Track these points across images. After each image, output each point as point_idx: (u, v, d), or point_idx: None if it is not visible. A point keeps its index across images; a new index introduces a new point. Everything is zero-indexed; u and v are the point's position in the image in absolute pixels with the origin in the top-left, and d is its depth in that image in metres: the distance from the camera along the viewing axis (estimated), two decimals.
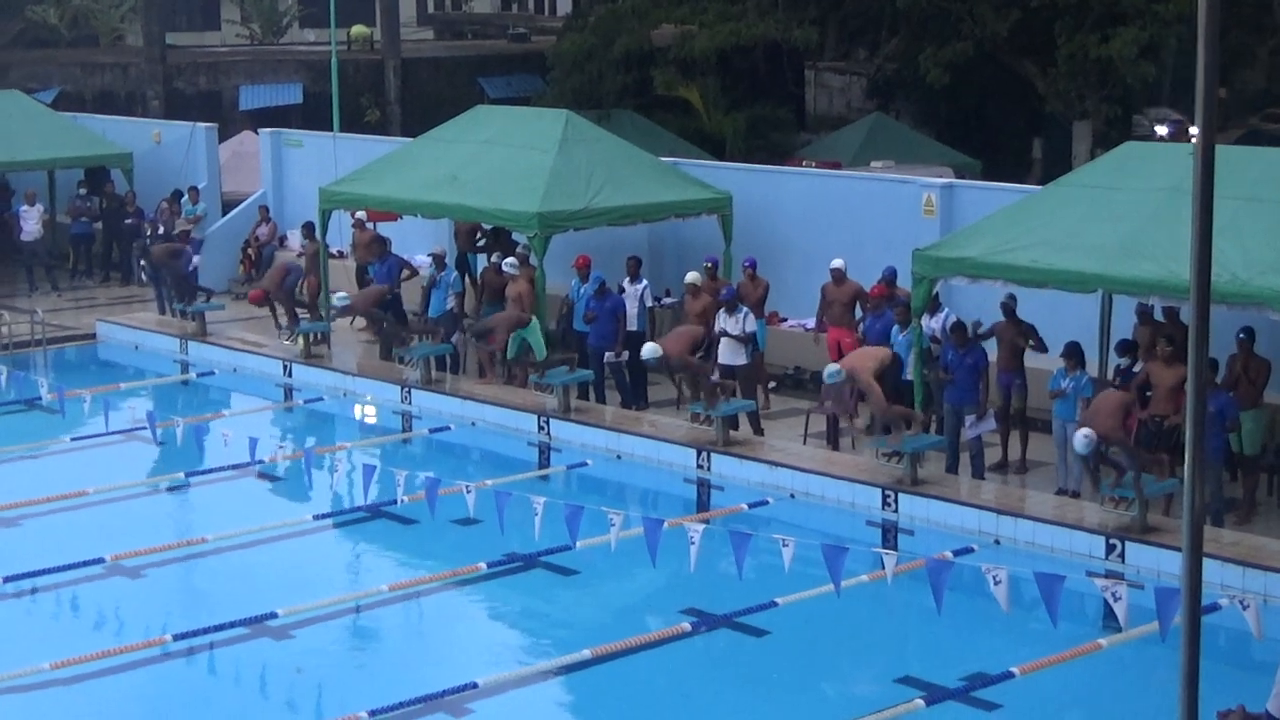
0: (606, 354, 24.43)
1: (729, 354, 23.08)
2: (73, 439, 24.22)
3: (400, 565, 19.21)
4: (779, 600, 17.19)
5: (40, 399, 25.40)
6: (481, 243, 29.42)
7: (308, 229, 29.90)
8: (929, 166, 33.39)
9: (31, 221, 34.65)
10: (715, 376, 22.96)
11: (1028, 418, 21.46)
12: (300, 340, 27.75)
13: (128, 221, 34.99)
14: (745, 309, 23.23)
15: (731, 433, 22.38)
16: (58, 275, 35.46)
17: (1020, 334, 21.32)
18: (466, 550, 19.18)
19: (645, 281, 25.21)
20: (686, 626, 16.95)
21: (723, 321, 23.14)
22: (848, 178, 28.31)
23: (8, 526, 20.95)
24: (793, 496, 20.97)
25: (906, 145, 37.35)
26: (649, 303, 25.26)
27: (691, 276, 24.43)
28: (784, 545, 16.17)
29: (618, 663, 16.32)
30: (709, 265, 24.81)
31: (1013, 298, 21.17)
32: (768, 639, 16.76)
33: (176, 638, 16.91)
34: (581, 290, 25.02)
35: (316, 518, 20.53)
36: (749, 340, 23.13)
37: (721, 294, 23.56)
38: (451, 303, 26.79)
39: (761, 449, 22.07)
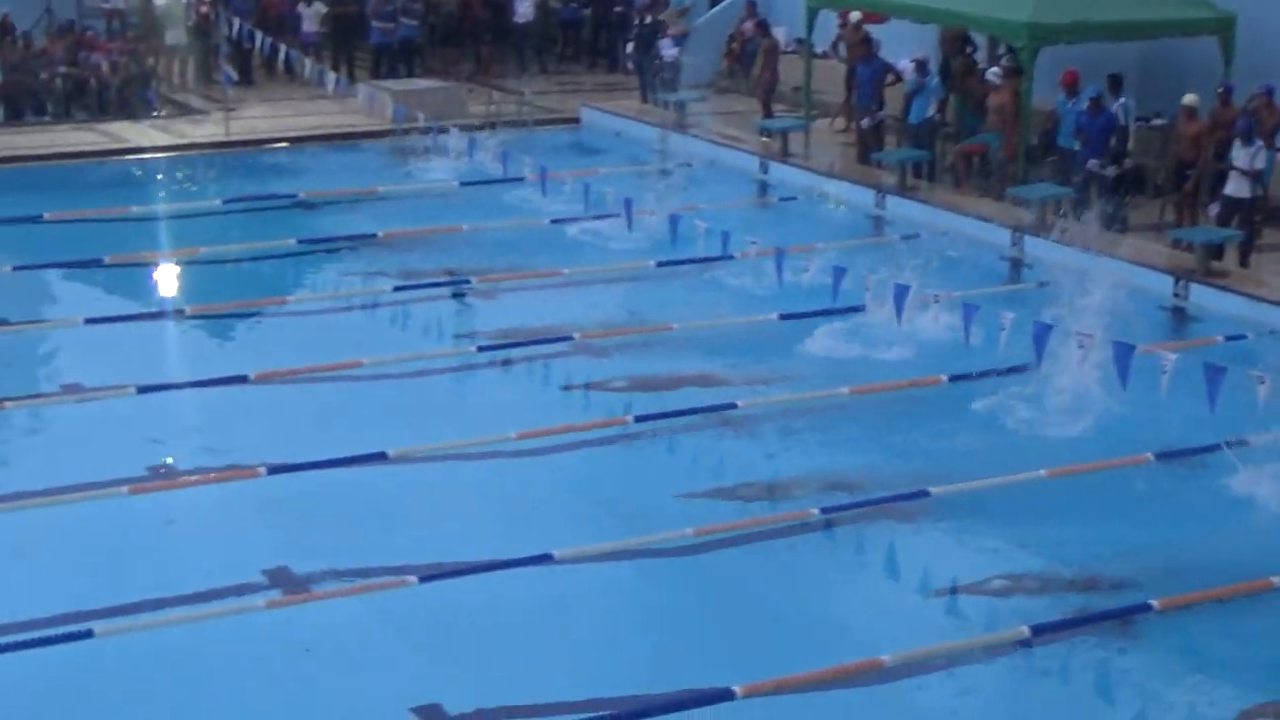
0: (1091, 161, 23.60)
1: (1235, 186, 22.07)
2: (551, 220, 24.75)
3: (861, 368, 19.10)
4: (1249, 440, 16.55)
5: (523, 178, 26.05)
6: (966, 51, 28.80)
7: (761, 26, 31.66)
8: None
9: (525, 4, 35.38)
10: (1216, 208, 22.15)
11: None
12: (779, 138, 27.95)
13: (617, 10, 35.43)
14: (1260, 142, 22.10)
15: (1214, 263, 21.62)
16: (546, 59, 36.17)
17: None
18: (927, 359, 19.03)
19: (1123, 99, 24.30)
20: (1149, 456, 16.48)
21: (1236, 153, 22.04)
22: None
23: (485, 298, 21.66)
24: (1273, 333, 20.12)
25: None
26: (1126, 122, 24.35)
27: (1189, 99, 23.38)
28: (1260, 382, 15.58)
29: (1073, 479, 16.02)
30: (1221, 91, 23.64)
31: None
32: (1232, 475, 16.15)
33: (638, 419, 17.26)
34: (1069, 105, 24.30)
35: (782, 317, 20.56)
36: (1258, 175, 22.07)
37: (1238, 124, 22.42)
38: (933, 110, 26.43)
39: (1245, 281, 21.24)
